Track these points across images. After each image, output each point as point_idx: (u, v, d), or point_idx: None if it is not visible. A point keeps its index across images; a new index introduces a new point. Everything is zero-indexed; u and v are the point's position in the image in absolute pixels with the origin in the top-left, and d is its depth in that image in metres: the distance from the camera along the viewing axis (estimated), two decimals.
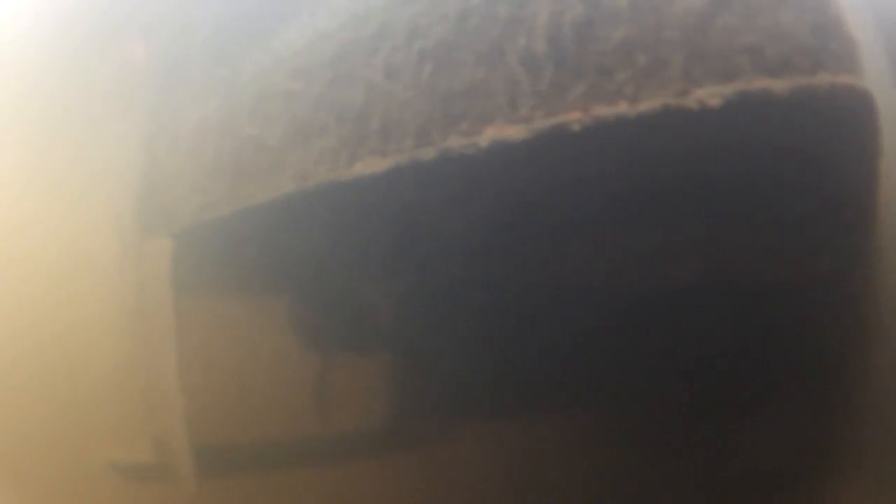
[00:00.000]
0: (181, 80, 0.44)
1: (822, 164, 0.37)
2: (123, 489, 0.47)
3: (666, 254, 0.38)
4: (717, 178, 0.37)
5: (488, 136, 0.38)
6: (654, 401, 0.39)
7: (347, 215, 0.41)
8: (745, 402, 0.39)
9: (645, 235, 0.38)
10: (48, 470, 0.48)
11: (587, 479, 0.40)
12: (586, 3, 0.37)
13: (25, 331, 0.47)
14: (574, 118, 0.37)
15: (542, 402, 0.40)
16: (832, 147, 0.37)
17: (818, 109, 0.36)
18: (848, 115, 0.36)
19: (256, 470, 0.45)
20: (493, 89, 0.38)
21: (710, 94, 0.36)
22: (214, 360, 0.44)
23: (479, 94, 0.38)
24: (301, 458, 0.44)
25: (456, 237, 0.39)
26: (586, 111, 0.37)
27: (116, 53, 0.45)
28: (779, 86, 0.36)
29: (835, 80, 0.36)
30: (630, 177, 0.37)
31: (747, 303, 0.38)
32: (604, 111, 0.37)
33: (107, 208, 0.46)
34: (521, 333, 0.39)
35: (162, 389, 0.45)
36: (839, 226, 0.38)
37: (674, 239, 0.38)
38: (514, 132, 0.37)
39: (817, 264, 0.38)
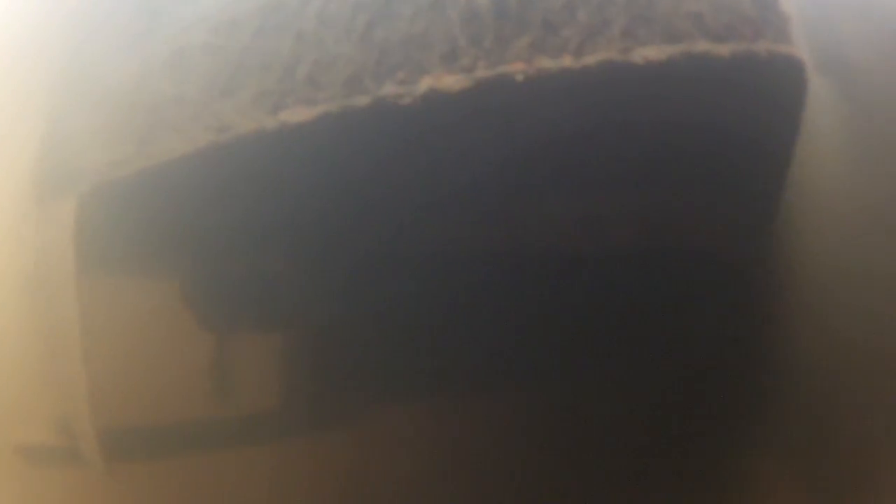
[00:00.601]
0: (94, 37, 0.42)
1: (760, 128, 0.37)
2: (28, 472, 0.43)
3: (603, 214, 0.37)
4: (657, 137, 0.37)
5: (426, 84, 0.36)
6: (591, 371, 0.37)
7: (269, 172, 0.38)
8: (682, 367, 0.37)
9: (583, 193, 0.37)
10: None
11: (518, 458, 0.38)
12: None
13: None
14: (517, 69, 0.36)
15: (467, 378, 0.38)
16: (769, 111, 0.37)
17: (757, 73, 0.36)
18: (784, 81, 0.37)
19: (166, 454, 0.41)
20: (433, 42, 0.37)
21: (654, 52, 0.36)
22: (121, 335, 0.41)
23: (417, 45, 0.37)
24: (208, 441, 0.41)
25: (382, 197, 0.37)
26: (530, 63, 0.36)
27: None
28: (721, 49, 0.36)
29: (773, 48, 0.36)
30: (572, 133, 0.36)
31: (678, 268, 0.37)
32: (548, 63, 0.36)
33: (4, 170, 0.42)
34: (445, 305, 0.37)
35: (64, 368, 0.41)
36: (763, 189, 0.38)
37: (611, 197, 0.37)
38: (454, 81, 0.36)
39: (743, 227, 0.38)
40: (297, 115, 0.37)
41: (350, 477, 0.39)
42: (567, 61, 0.36)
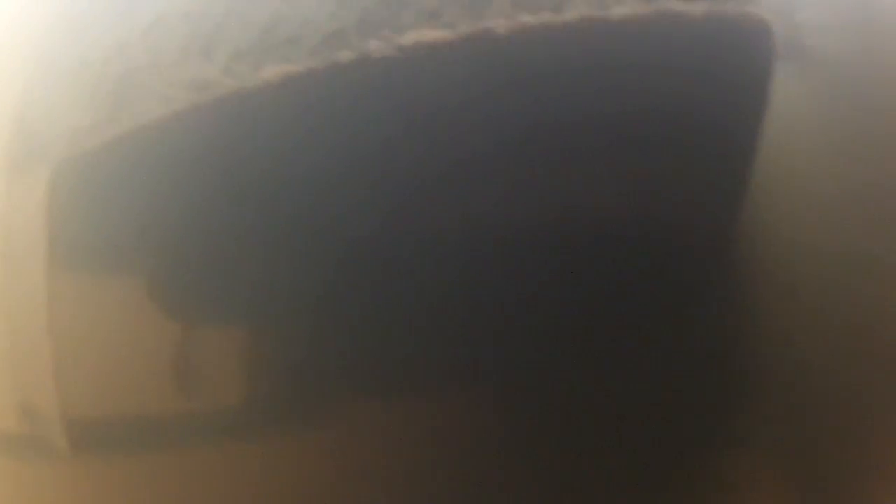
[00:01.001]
0: (75, 8, 0.42)
1: (731, 88, 0.38)
2: None
3: (578, 179, 0.38)
4: (632, 97, 0.38)
5: (410, 38, 0.37)
6: (574, 365, 0.37)
7: (249, 135, 0.38)
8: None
9: (560, 157, 0.38)
10: None
11: (500, 455, 0.38)
12: None
13: None
14: (499, 24, 0.37)
15: (445, 372, 0.37)
16: (739, 71, 0.38)
17: (727, 32, 0.38)
18: (752, 42, 0.38)
19: (132, 445, 0.40)
20: (414, 1, 0.38)
21: (630, 10, 0.37)
22: (90, 319, 0.39)
23: (399, 4, 0.38)
24: (175, 435, 0.39)
25: (365, 166, 0.37)
26: (511, 18, 0.37)
27: None
28: (693, 9, 0.37)
29: (742, 9, 0.38)
30: (550, 92, 0.37)
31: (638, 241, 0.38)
32: (528, 18, 0.37)
33: None
34: (420, 293, 0.37)
35: (31, 353, 0.40)
36: (736, 152, 0.39)
37: (585, 162, 0.38)
38: (438, 35, 0.37)
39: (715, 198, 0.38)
40: (280, 71, 0.37)
41: (317, 473, 0.38)
42: (547, 17, 0.37)
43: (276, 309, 0.38)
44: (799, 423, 0.40)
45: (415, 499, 0.38)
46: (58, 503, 0.42)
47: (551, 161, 0.37)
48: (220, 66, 0.38)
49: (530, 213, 0.37)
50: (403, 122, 0.37)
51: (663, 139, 0.38)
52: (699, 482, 0.39)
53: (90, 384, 0.40)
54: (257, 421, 0.38)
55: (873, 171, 0.41)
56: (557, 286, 0.37)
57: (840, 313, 0.40)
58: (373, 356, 0.37)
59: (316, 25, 0.38)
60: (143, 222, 0.39)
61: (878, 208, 0.40)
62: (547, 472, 0.38)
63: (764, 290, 0.39)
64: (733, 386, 0.39)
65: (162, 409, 0.39)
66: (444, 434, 0.38)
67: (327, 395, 0.38)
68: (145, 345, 0.39)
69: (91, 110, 0.39)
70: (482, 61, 0.37)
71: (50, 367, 0.40)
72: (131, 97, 0.39)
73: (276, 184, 0.38)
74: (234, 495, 0.39)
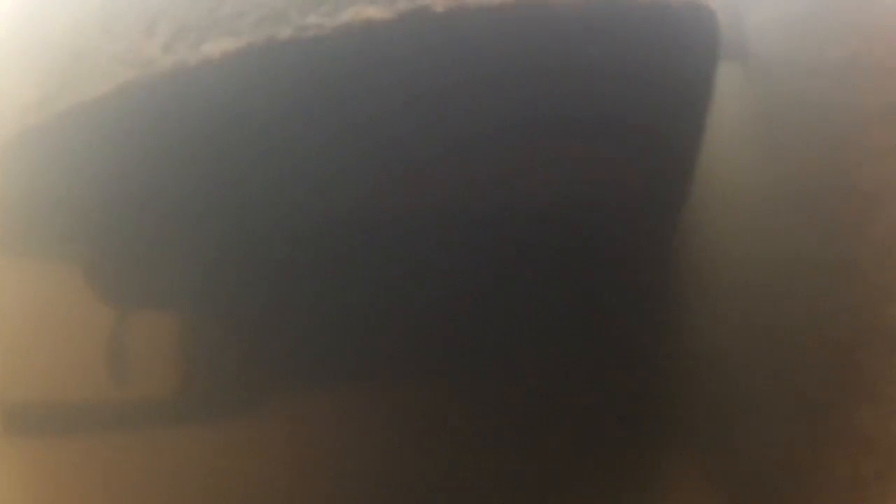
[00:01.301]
0: (32, 3, 0.42)
1: (676, 76, 0.38)
2: None
3: (516, 164, 0.37)
4: (573, 82, 0.37)
5: (347, 15, 0.37)
6: (503, 360, 0.37)
7: (190, 112, 0.38)
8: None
9: (499, 138, 0.37)
10: None
11: (427, 452, 0.37)
12: None
13: None
14: (437, 1, 0.37)
15: (370, 363, 0.37)
16: (680, 56, 0.38)
17: (672, 18, 0.37)
18: (697, 28, 0.38)
19: (67, 430, 0.40)
20: None
21: None
22: (27, 301, 0.40)
23: None
24: (104, 423, 0.39)
25: (299, 147, 0.37)
26: None
27: None
28: None
29: None
30: (488, 71, 0.37)
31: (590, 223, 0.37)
32: None
33: None
34: (352, 281, 0.37)
35: None
36: (673, 140, 0.38)
37: (525, 145, 0.37)
38: (375, 12, 0.37)
39: (651, 183, 0.38)
40: (219, 48, 0.37)
41: (248, 462, 0.38)
42: None
43: (215, 296, 0.38)
44: (726, 426, 0.39)
45: (349, 489, 0.38)
46: None
47: (484, 141, 0.37)
48: (161, 44, 0.38)
49: (463, 196, 0.37)
50: (337, 99, 0.37)
51: (602, 125, 0.38)
52: (623, 483, 0.38)
53: (25, 367, 0.40)
54: (190, 408, 0.38)
55: (812, 178, 0.40)
56: (479, 282, 0.37)
57: (770, 319, 0.40)
58: (313, 346, 0.37)
59: (260, 2, 0.38)
60: (81, 202, 0.39)
61: (812, 212, 0.40)
62: (473, 473, 0.38)
63: (695, 298, 0.39)
64: (659, 390, 0.38)
65: (95, 395, 0.39)
66: (383, 425, 0.37)
67: (262, 385, 0.38)
68: (80, 330, 0.39)
69: (42, 87, 0.40)
70: (419, 39, 0.37)
71: None
72: (81, 74, 0.39)
73: (210, 163, 0.38)
74: (164, 481, 0.39)
